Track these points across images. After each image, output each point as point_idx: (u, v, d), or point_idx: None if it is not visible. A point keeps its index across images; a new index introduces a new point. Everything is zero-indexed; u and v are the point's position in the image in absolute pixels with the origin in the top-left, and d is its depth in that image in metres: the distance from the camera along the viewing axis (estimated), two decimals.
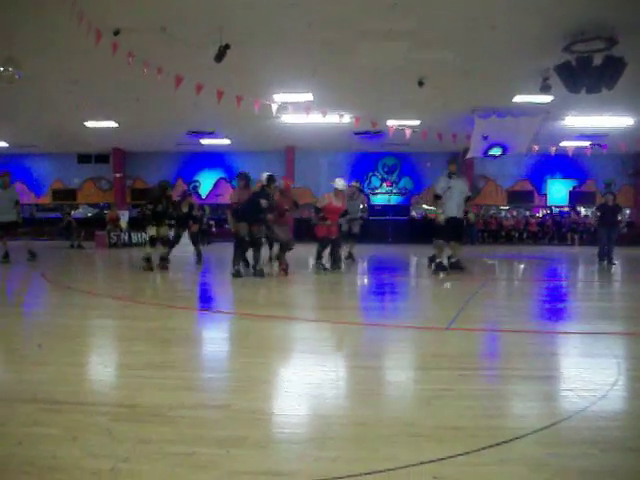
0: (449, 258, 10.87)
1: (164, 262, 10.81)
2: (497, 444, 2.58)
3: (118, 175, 26.14)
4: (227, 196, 10.14)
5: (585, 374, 3.80)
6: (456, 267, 10.46)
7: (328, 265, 10.78)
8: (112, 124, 20.03)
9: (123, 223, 21.88)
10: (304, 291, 8.78)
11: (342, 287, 9.33)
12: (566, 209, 26.89)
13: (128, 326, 5.59)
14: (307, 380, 3.79)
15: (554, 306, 7.45)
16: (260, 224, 9.71)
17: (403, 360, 4.34)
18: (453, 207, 10.32)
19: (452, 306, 6.78)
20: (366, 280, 9.77)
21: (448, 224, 10.23)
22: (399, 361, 4.29)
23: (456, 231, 10.53)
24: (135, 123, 20.03)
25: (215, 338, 5.29)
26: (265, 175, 9.83)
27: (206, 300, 7.94)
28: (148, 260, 10.59)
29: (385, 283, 9.76)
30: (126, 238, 21.24)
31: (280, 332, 5.41)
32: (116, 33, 9.67)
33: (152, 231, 10.59)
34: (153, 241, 10.69)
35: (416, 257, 16.87)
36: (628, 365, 4.15)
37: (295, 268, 10.89)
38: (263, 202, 9.32)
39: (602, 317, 6.33)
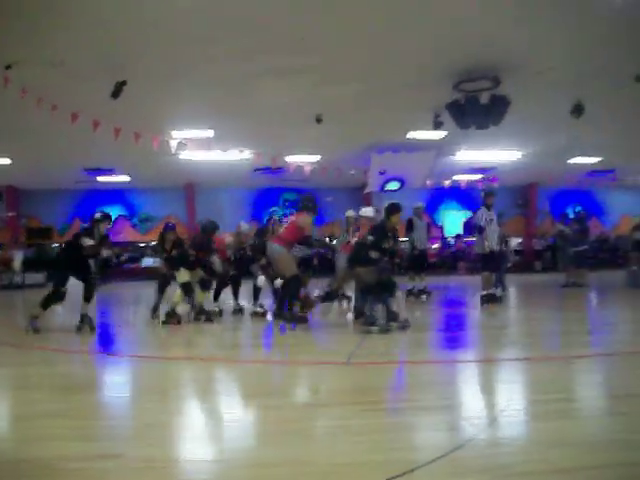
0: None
1: (209, 314, 9.08)
2: (392, 478, 2.63)
3: (11, 214, 24.96)
4: (303, 227, 8.40)
5: (478, 402, 3.95)
6: (494, 300, 10.39)
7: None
8: (5, 161, 19.16)
9: (17, 264, 20.87)
10: (212, 330, 8.28)
11: (240, 324, 9.19)
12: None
13: (24, 374, 5.32)
14: (205, 423, 3.74)
15: (451, 335, 7.68)
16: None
17: (303, 397, 4.36)
18: (495, 239, 10.38)
19: (351, 339, 6.85)
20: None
21: (492, 256, 10.26)
22: (299, 398, 4.31)
23: (497, 264, 10.63)
24: (30, 160, 19.19)
25: (115, 383, 5.12)
26: (387, 205, 8.16)
27: (112, 343, 7.66)
28: (174, 312, 8.79)
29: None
30: (19, 280, 20.29)
31: (183, 374, 5.32)
32: (8, 67, 9.32)
33: (185, 276, 8.87)
34: (188, 288, 8.89)
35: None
36: (518, 390, 4.35)
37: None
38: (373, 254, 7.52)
39: (496, 344, 6.58)
